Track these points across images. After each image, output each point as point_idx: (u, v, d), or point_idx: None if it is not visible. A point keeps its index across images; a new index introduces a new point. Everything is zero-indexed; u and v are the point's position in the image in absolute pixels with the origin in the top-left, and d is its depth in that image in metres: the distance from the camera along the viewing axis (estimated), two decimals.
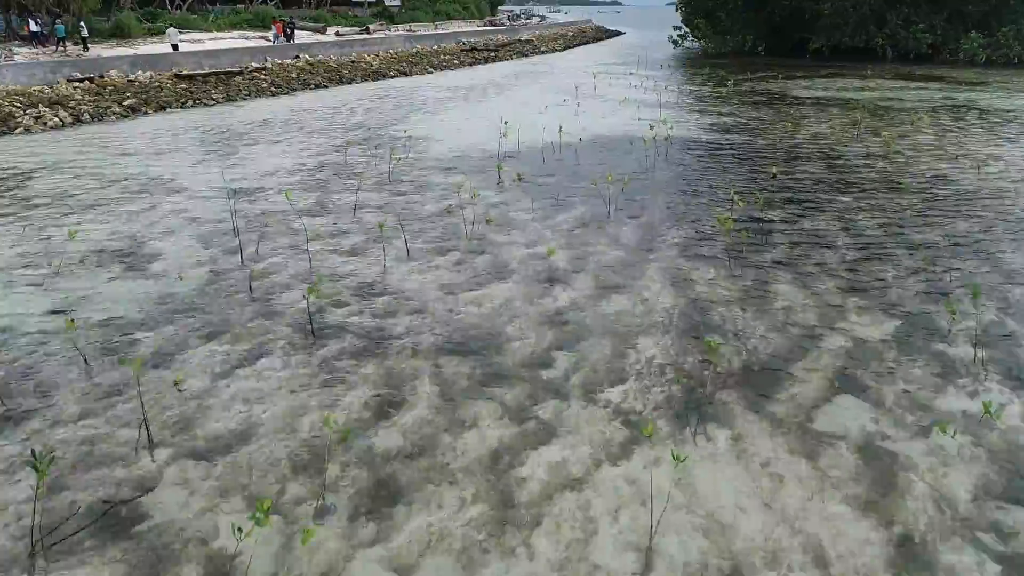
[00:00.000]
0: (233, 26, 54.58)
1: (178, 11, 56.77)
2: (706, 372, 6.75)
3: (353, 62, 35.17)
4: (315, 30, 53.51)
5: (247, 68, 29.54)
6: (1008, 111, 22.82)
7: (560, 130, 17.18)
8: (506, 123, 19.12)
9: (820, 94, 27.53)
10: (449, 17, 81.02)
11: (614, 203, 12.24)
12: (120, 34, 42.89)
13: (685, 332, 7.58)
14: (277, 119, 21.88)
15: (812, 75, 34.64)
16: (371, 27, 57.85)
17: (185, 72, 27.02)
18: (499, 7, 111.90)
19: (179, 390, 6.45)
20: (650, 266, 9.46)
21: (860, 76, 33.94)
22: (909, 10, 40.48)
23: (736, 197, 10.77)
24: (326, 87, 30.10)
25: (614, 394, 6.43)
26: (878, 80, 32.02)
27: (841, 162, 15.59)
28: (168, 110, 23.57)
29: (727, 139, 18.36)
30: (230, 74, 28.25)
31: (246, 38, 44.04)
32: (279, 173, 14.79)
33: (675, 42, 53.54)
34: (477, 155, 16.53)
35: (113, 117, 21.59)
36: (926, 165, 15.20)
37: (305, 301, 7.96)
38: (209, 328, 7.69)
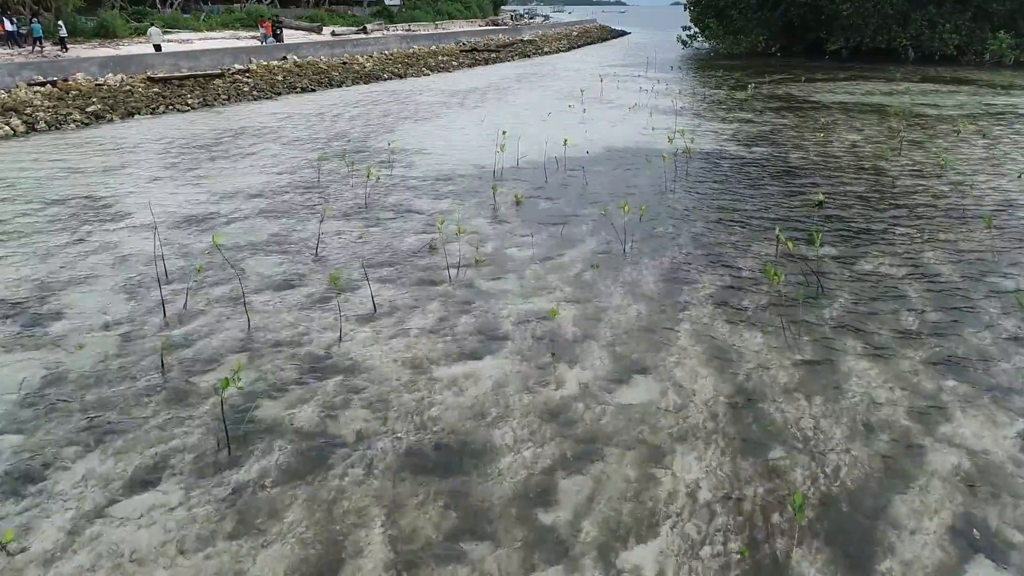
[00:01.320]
0: (225, 25, 52.68)
1: (169, 10, 54.84)
2: (775, 518, 4.71)
3: (344, 64, 33.16)
4: (310, 30, 51.52)
5: (228, 70, 27.55)
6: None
7: (565, 142, 15.13)
8: (504, 133, 17.09)
9: (846, 99, 25.44)
10: (450, 17, 78.99)
11: (630, 235, 10.20)
12: (105, 34, 40.96)
13: (737, 442, 5.54)
14: (253, 127, 19.86)
15: (833, 78, 32.54)
16: (369, 27, 55.88)
17: (160, 75, 25.03)
18: (502, 7, 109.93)
19: (7, 552, 4.43)
20: (681, 331, 7.41)
21: (885, 79, 31.82)
22: (935, 9, 38.32)
23: (782, 235, 8.72)
24: (313, 90, 28.09)
25: (644, 558, 4.40)
26: (905, 83, 29.90)
27: (888, 180, 13.51)
28: (136, 117, 21.57)
29: (753, 152, 16.29)
30: (209, 77, 26.26)
31: (238, 38, 42.08)
32: (239, 195, 12.76)
33: (684, 42, 51.42)
34: (470, 172, 14.49)
35: (73, 125, 19.60)
36: (987, 185, 13.12)
37: (230, 390, 5.94)
38: (86, 434, 5.67)
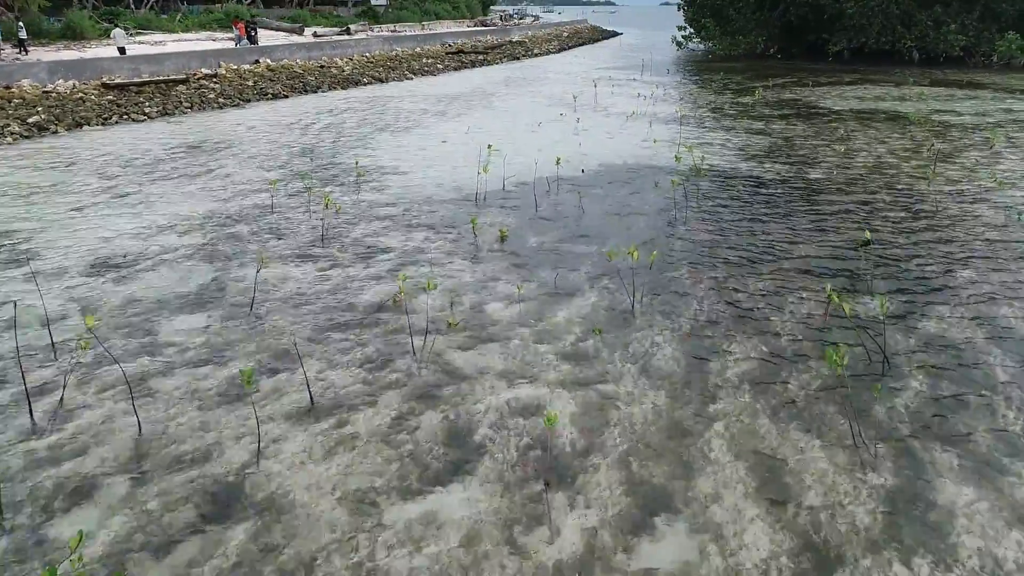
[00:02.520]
0: (203, 26, 50.60)
1: (142, 10, 52.65)
2: None
3: (322, 67, 31.19)
4: (291, 31, 49.54)
5: (194, 75, 25.56)
6: None
7: (557, 161, 13.29)
8: (490, 148, 15.25)
9: (857, 105, 23.70)
10: (438, 17, 77.04)
11: (640, 286, 8.36)
12: (72, 35, 38.84)
13: None
14: (212, 140, 17.91)
15: (838, 81, 30.84)
16: (353, 27, 53.96)
17: (116, 81, 23.01)
18: (491, 7, 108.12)
19: None
20: (714, 438, 5.57)
21: (893, 83, 30.15)
22: (940, 9, 36.71)
23: (835, 296, 6.90)
24: (286, 97, 26.12)
25: None
26: (916, 88, 28.22)
27: (929, 207, 11.73)
28: (85, 128, 19.56)
29: (769, 170, 14.48)
30: (172, 83, 24.25)
31: (214, 40, 40.06)
32: (176, 228, 10.84)
33: (679, 43, 49.71)
34: (449, 197, 12.61)
35: (9, 139, 17.59)
36: None
37: (102, 536, 4.06)
38: None
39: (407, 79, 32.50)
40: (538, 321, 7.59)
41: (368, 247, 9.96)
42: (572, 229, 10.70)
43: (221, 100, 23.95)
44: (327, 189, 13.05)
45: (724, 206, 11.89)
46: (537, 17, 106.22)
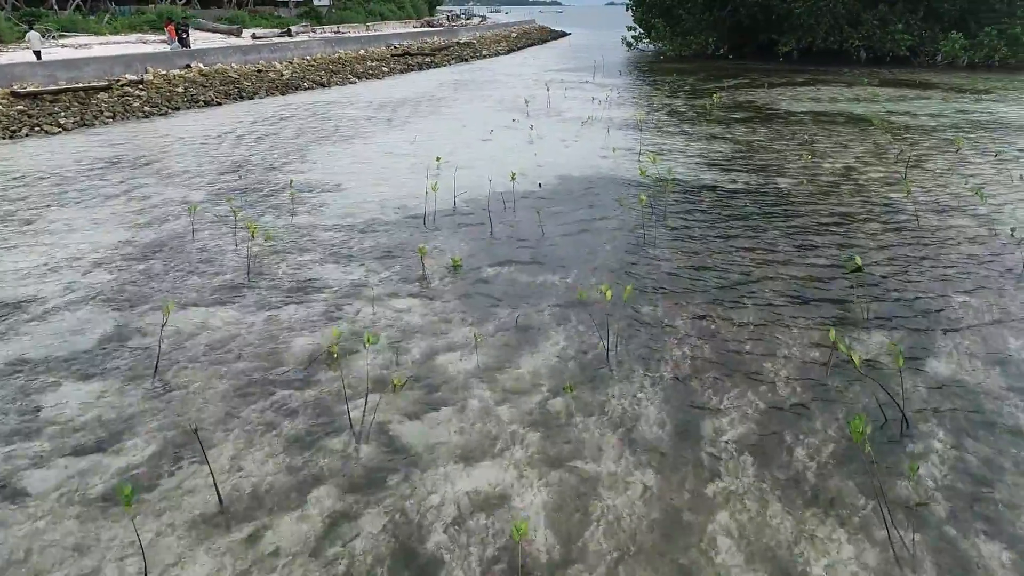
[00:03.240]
0: (133, 28, 48.07)
1: (67, 11, 49.73)
2: None
3: (259, 71, 29.50)
4: (228, 32, 47.42)
5: (118, 81, 23.69)
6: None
7: (512, 176, 12.23)
8: (439, 160, 14.15)
9: (814, 107, 23.28)
10: (383, 18, 75.24)
11: (613, 327, 7.34)
12: None
13: None
14: (132, 155, 16.30)
15: (791, 82, 30.56)
16: (294, 29, 52.03)
17: (28, 89, 21.07)
18: (437, 7, 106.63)
19: None
20: (718, 533, 4.57)
21: (845, 83, 30.01)
22: (886, 8, 36.93)
23: (841, 344, 5.98)
24: (219, 104, 24.43)
25: None
26: (868, 88, 28.08)
27: (911, 220, 11.04)
28: None
29: (736, 181, 13.68)
30: (92, 90, 22.39)
31: (145, 42, 37.85)
32: (77, 265, 9.41)
33: (629, 44, 49.22)
34: (394, 219, 11.42)
35: None
36: None
37: None
38: None
39: (351, 83, 31.02)
40: (498, 376, 6.50)
41: (301, 283, 8.71)
42: (532, 255, 9.64)
43: (147, 109, 22.20)
44: (257, 212, 11.73)
45: (695, 223, 10.99)
46: (484, 17, 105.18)
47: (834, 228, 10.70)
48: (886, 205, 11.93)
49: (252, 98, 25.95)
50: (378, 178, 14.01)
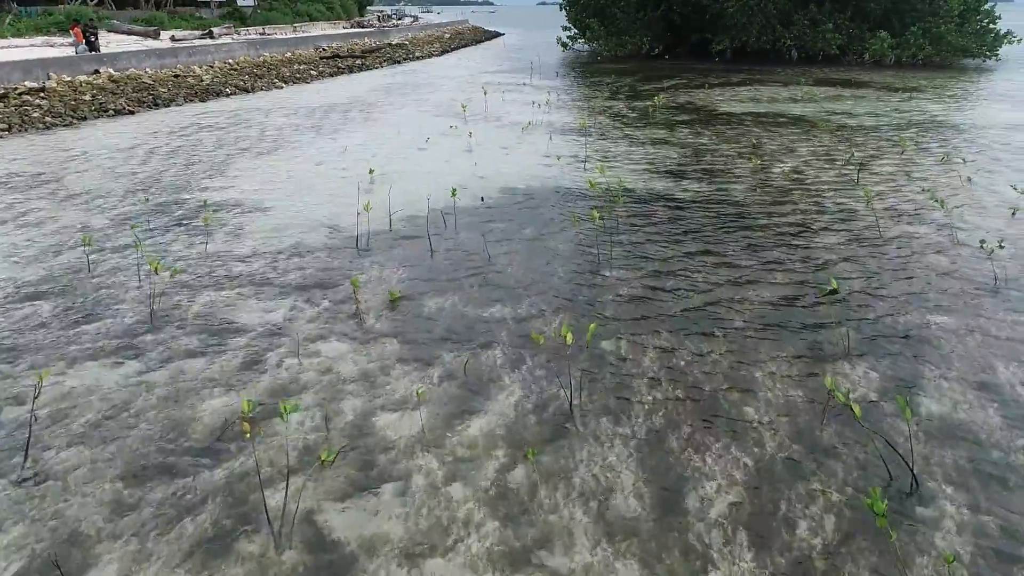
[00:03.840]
0: (40, 31, 44.86)
1: None
2: None
3: (177, 76, 27.63)
4: (145, 35, 44.82)
5: (15, 89, 21.64)
6: (984, 127, 19.00)
7: (454, 192, 11.29)
8: (372, 173, 13.12)
9: (754, 108, 23.09)
10: (311, 18, 72.84)
11: (575, 370, 6.49)
12: None
13: None
14: (24, 174, 14.63)
15: (727, 82, 30.51)
16: (216, 30, 49.65)
17: None
18: (368, 7, 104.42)
19: None
20: None
21: (780, 82, 30.15)
22: (815, 8, 37.43)
23: (839, 393, 5.28)
24: (132, 113, 22.60)
25: None
26: (803, 88, 28.21)
27: (871, 231, 10.58)
28: None
29: (688, 190, 13.07)
30: None
31: (52, 45, 35.19)
32: None
33: (565, 44, 48.77)
34: (323, 243, 10.31)
35: None
36: (998, 231, 10.40)
37: None
38: None
39: (276, 88, 29.40)
40: (448, 440, 5.56)
41: (214, 328, 7.56)
42: (478, 282, 8.71)
43: (48, 119, 20.27)
44: (167, 239, 10.44)
45: (650, 240, 10.26)
46: (416, 18, 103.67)
47: (795, 241, 10.14)
48: (843, 212, 11.47)
49: (168, 105, 24.16)
50: (305, 194, 12.84)
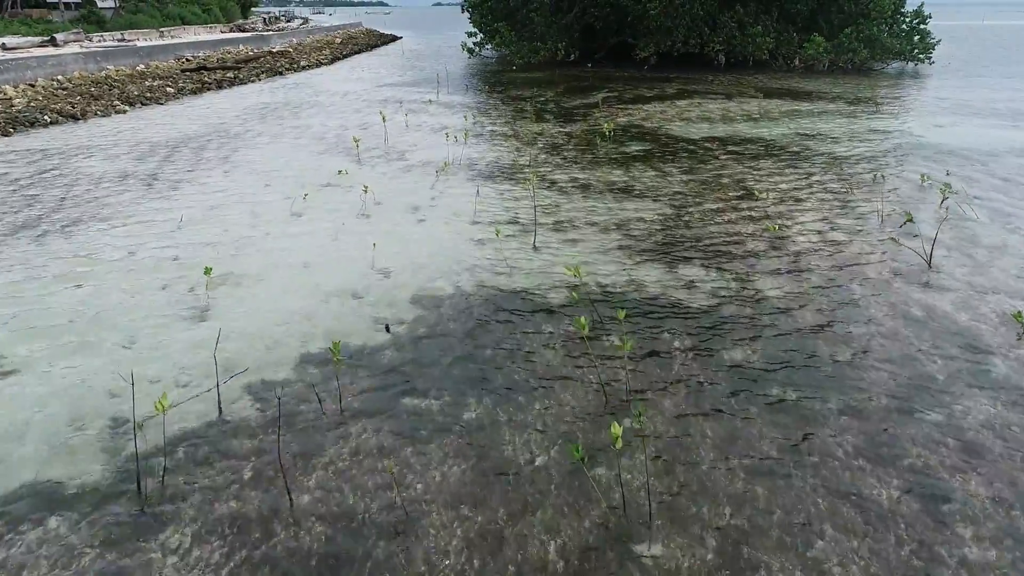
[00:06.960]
0: None
1: None
2: None
3: None
4: None
5: None
6: (976, 151, 15.77)
7: (336, 346, 6.35)
8: (209, 275, 8.15)
9: (711, 131, 19.24)
10: (184, 22, 64.90)
11: None
12: None
13: None
14: None
15: (662, 95, 26.75)
16: (60, 37, 42.14)
17: None
18: (252, 8, 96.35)
19: None
20: None
21: (720, 94, 26.66)
22: (742, 10, 34.42)
23: None
24: None
25: None
26: (749, 100, 24.77)
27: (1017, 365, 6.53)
28: None
29: (697, 288, 8.73)
30: None
31: None
32: None
33: (471, 50, 44.16)
34: (76, 484, 5.23)
35: None
36: None
37: None
38: None
39: (118, 112, 23.24)
40: None
41: None
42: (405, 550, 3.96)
43: None
44: None
45: (689, 438, 5.79)
46: (306, 20, 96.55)
47: (886, 410, 5.91)
48: (977, 353, 7.37)
49: None
50: (87, 331, 7.62)
